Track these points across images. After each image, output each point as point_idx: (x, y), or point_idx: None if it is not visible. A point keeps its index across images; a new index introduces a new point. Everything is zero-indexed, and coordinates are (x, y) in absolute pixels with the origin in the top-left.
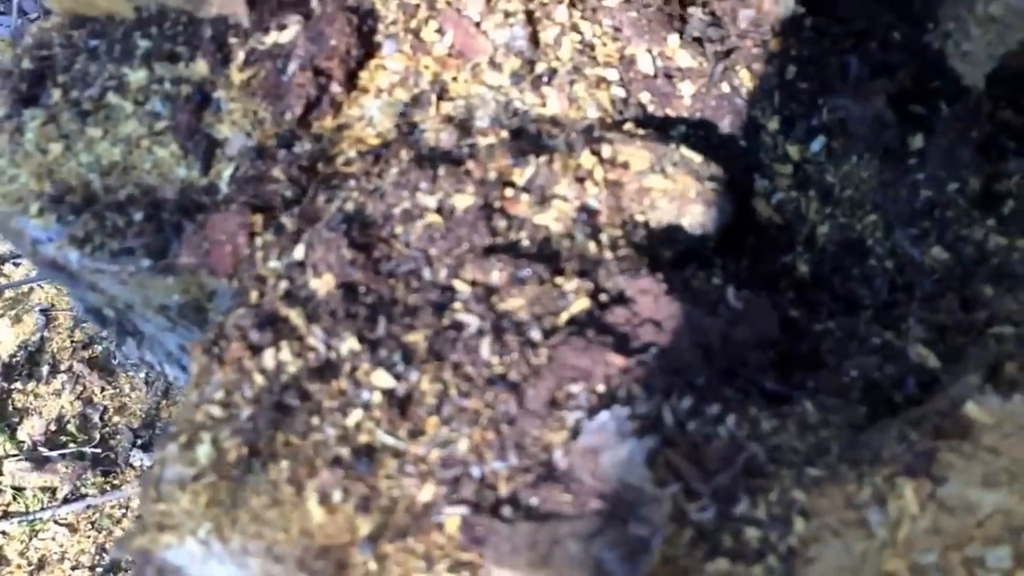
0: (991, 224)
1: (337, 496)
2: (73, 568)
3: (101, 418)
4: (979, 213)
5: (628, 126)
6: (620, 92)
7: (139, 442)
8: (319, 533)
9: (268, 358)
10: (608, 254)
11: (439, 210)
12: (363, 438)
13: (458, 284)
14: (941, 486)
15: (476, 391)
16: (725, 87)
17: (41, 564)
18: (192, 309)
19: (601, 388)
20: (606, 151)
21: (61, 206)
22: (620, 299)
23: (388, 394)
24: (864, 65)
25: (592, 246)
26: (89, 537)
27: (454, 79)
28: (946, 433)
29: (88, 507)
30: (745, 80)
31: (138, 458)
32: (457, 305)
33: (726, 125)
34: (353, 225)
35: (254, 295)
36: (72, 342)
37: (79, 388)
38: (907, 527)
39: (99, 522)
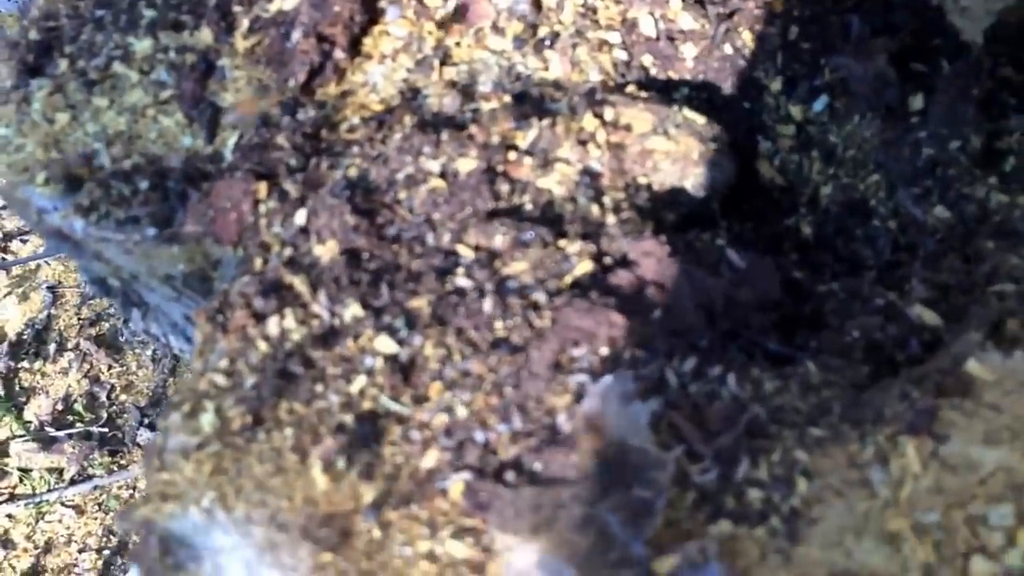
0: (993, 182)
1: (341, 463)
2: (80, 550)
3: (108, 397)
4: (981, 171)
5: (630, 89)
6: (622, 55)
7: (146, 421)
8: (323, 501)
9: (272, 325)
10: (611, 217)
11: (442, 175)
12: (367, 405)
13: (461, 249)
14: (943, 444)
15: (480, 355)
16: (727, 48)
17: (48, 547)
18: (197, 278)
19: (605, 351)
20: (608, 114)
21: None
22: (623, 262)
23: (392, 360)
24: (865, 24)
25: (595, 209)
26: (96, 519)
27: (457, 44)
28: (948, 391)
29: (95, 488)
30: (747, 41)
31: (145, 437)
32: (460, 270)
33: (729, 87)
34: (357, 191)
35: (258, 262)
36: (79, 319)
37: (86, 366)
38: (909, 486)
39: (106, 503)
